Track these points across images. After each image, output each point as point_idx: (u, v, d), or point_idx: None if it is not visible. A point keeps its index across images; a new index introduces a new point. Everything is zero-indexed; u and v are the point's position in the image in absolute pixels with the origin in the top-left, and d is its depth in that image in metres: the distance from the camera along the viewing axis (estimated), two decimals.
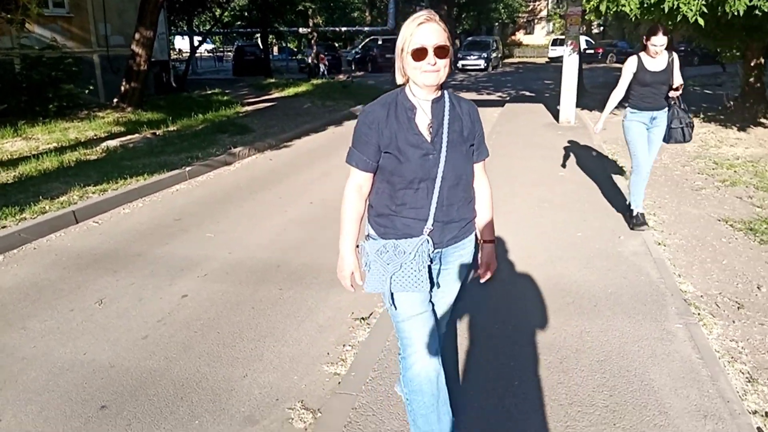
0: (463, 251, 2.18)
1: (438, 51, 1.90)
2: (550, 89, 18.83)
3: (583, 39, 21.19)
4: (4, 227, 5.19)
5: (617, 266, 4.32)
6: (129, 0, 15.21)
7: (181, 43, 41.02)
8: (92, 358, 3.29)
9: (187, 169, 7.56)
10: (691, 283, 4.09)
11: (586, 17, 11.86)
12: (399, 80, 2.04)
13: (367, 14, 45.48)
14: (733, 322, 3.56)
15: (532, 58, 44.52)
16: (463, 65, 30.70)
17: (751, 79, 10.95)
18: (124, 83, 12.96)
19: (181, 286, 4.22)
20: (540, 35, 51.13)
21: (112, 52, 14.72)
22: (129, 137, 9.80)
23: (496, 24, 50.07)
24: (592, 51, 35.12)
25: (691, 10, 7.39)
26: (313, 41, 28.68)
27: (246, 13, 30.06)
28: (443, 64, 1.93)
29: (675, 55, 4.91)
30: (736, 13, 7.25)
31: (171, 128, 10.68)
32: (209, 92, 17.70)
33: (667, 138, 5.02)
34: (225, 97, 16.02)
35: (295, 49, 45.10)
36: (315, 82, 21.43)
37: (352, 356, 3.27)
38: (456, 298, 2.31)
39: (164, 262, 4.67)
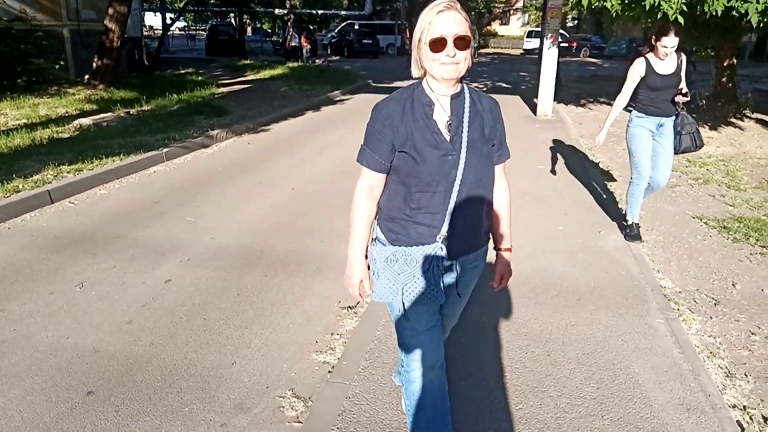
0: (477, 261, 2.06)
1: (458, 42, 1.74)
2: (526, 81, 18.97)
3: None
4: None
5: (599, 261, 4.41)
6: None
7: (153, 20, 40.11)
8: (75, 342, 3.22)
9: (165, 150, 7.41)
10: (669, 279, 4.20)
11: (564, 10, 11.93)
12: (415, 73, 1.89)
13: None
14: (711, 318, 3.67)
15: (507, 49, 44.81)
16: None
17: (724, 79, 11.19)
18: (96, 60, 12.57)
19: (163, 271, 4.15)
20: (515, 26, 51.46)
21: (84, 26, 14.25)
22: (102, 116, 9.54)
23: (473, 13, 50.16)
24: (566, 44, 35.45)
25: (672, 8, 7.48)
26: (289, 23, 28.27)
27: None
28: (463, 56, 1.77)
29: (684, 57, 4.50)
30: (714, 13, 7.39)
31: (145, 108, 10.43)
32: (183, 72, 17.32)
33: (677, 147, 4.58)
34: (200, 78, 15.70)
35: (269, 30, 44.47)
36: (291, 65, 21.17)
37: (341, 345, 3.27)
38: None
39: (145, 246, 4.59)
